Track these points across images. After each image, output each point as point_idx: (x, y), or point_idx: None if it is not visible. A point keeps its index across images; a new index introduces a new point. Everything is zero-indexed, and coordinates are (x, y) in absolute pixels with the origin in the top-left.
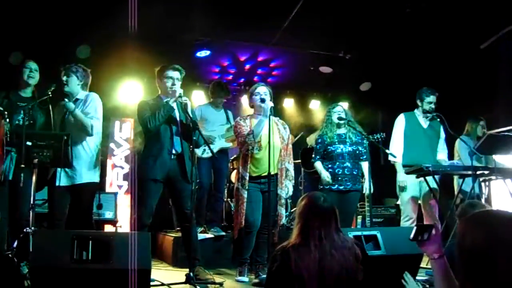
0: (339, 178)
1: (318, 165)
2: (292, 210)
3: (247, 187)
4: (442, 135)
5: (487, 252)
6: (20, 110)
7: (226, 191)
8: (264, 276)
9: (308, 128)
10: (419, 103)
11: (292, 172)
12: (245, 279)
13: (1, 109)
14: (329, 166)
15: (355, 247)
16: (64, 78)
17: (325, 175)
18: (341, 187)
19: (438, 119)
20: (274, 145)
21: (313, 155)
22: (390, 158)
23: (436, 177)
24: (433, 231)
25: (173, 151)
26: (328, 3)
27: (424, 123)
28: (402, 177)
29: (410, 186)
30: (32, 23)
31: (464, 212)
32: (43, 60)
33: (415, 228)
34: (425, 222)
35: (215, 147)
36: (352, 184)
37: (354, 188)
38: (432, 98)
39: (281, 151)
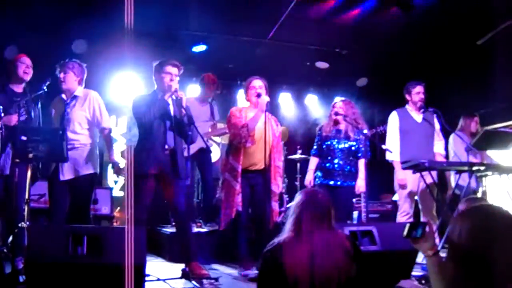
0: (330, 174)
1: (312, 162)
2: (288, 206)
3: (239, 179)
4: (437, 126)
5: (475, 245)
6: (15, 105)
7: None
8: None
9: (304, 123)
10: (408, 97)
11: (281, 169)
12: (252, 272)
13: None
14: (323, 161)
15: (347, 243)
16: (61, 75)
17: (307, 179)
18: (331, 183)
19: (435, 114)
20: (268, 140)
21: (313, 147)
22: (388, 156)
23: (433, 172)
24: (427, 228)
25: (166, 146)
26: None
27: (418, 117)
28: (401, 175)
29: (409, 182)
30: (27, 16)
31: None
32: (38, 54)
33: (407, 225)
34: (422, 219)
35: (196, 146)
36: (343, 181)
37: (346, 184)
38: (419, 88)
39: (273, 147)
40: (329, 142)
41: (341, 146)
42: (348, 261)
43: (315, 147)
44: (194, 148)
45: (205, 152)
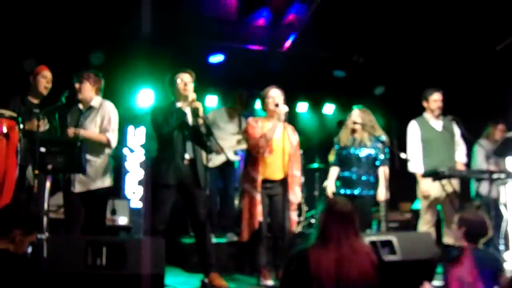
0: (349, 183)
1: (332, 172)
2: (306, 216)
3: (259, 190)
4: (457, 131)
5: None
6: (34, 117)
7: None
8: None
9: (321, 133)
10: (425, 104)
11: (299, 179)
12: (271, 282)
13: (15, 114)
14: (342, 170)
15: (372, 253)
16: (77, 85)
17: (329, 189)
18: (349, 192)
19: (454, 122)
20: (285, 150)
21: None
22: (410, 168)
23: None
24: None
25: (186, 156)
26: (341, 7)
27: (437, 125)
28: (425, 187)
29: (433, 189)
30: (45, 29)
31: None
32: (56, 66)
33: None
34: (444, 228)
35: (221, 159)
36: (362, 190)
37: (365, 194)
38: (437, 96)
39: (290, 157)
40: (345, 152)
41: (359, 154)
42: (373, 271)
43: (334, 156)
44: (219, 160)
45: (229, 164)
